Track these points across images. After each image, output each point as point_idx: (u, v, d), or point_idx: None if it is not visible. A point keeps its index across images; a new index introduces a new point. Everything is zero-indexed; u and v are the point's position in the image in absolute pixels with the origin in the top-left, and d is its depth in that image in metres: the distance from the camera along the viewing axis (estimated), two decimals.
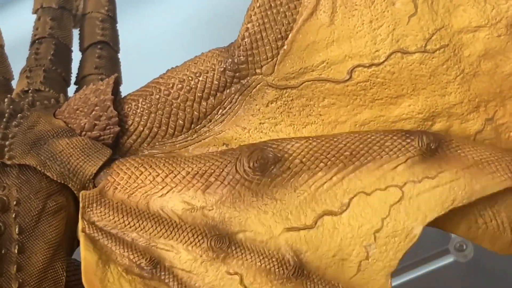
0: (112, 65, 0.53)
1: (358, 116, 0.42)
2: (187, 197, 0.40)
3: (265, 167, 0.39)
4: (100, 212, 0.40)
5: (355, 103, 0.42)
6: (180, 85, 0.42)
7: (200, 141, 0.43)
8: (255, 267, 0.39)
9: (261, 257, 0.39)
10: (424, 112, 0.42)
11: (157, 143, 0.43)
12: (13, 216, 0.39)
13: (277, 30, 0.41)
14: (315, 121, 0.42)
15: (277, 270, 0.39)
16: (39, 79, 0.50)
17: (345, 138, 0.40)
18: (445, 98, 0.41)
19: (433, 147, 0.40)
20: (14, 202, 0.40)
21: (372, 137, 0.40)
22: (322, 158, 0.40)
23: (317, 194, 0.40)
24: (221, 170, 0.40)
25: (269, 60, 0.42)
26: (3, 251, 0.38)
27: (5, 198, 0.40)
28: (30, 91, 0.48)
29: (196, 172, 0.40)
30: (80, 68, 0.53)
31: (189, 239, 0.39)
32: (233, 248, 0.39)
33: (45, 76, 0.50)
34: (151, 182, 0.40)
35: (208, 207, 0.40)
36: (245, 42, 0.42)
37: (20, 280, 0.38)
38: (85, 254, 0.38)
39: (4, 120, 0.43)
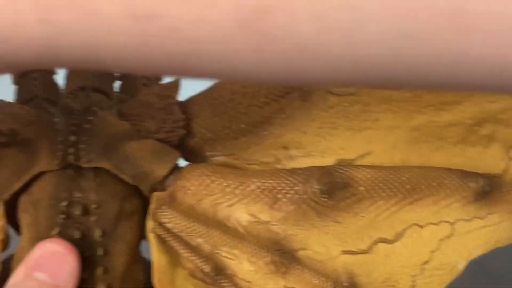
0: None
1: (412, 121, 0.43)
2: (253, 210, 0.41)
3: (333, 191, 0.41)
4: (170, 214, 0.41)
5: (409, 109, 0.43)
6: (244, 91, 0.43)
7: (260, 143, 0.44)
8: (312, 285, 0.41)
9: (318, 276, 0.41)
10: (473, 118, 0.43)
11: (218, 145, 0.43)
12: (94, 219, 0.40)
13: None
14: (371, 126, 0.43)
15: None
16: (88, 75, 0.48)
17: (408, 171, 0.42)
18: (492, 105, 0.43)
19: (486, 189, 0.42)
20: (95, 206, 0.40)
21: (433, 173, 0.42)
22: (385, 188, 0.42)
23: (375, 221, 0.42)
24: (290, 188, 0.41)
25: None
26: (87, 254, 0.39)
27: (84, 201, 0.40)
28: (86, 89, 0.46)
29: (265, 187, 0.41)
30: None
31: (252, 250, 0.41)
32: (294, 264, 0.41)
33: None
34: (220, 191, 0.41)
35: (273, 222, 0.41)
36: None
37: (107, 283, 0.39)
38: (156, 255, 0.40)
39: (74, 119, 0.42)
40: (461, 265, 0.43)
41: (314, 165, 0.43)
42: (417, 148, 0.43)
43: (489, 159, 0.44)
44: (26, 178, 0.40)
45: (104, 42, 0.26)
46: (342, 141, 0.43)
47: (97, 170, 0.41)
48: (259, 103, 0.43)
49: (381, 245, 0.42)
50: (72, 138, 0.41)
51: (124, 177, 0.41)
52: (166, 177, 0.42)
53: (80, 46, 0.27)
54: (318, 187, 0.41)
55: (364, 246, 0.42)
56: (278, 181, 0.42)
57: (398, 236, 0.42)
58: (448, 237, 0.43)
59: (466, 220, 0.43)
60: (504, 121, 0.43)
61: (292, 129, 0.43)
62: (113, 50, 0.27)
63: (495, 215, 0.43)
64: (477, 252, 0.43)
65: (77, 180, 0.41)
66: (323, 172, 0.42)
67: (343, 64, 0.26)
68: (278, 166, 0.43)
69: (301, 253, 0.41)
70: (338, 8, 0.24)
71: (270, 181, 0.42)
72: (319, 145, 0.43)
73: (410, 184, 0.42)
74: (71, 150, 0.41)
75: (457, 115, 0.43)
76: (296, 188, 0.41)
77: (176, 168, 0.42)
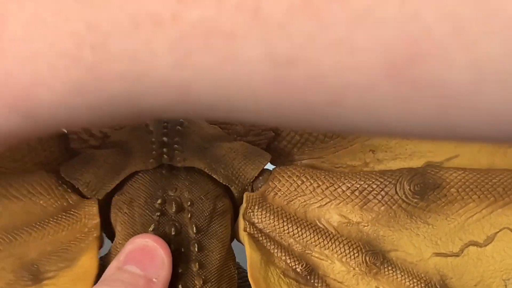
0: None
1: None
2: (344, 211, 0.41)
3: (425, 192, 0.41)
4: (261, 214, 0.41)
5: None
6: None
7: (348, 147, 0.44)
8: (404, 286, 0.41)
9: (410, 278, 0.41)
10: None
11: (306, 149, 0.44)
12: (189, 216, 0.40)
13: None
14: None
15: None
16: None
17: (498, 173, 0.42)
18: None
19: None
20: (188, 203, 0.40)
21: None
22: (476, 190, 0.42)
23: (466, 224, 0.42)
24: (381, 189, 0.42)
25: None
26: (183, 250, 0.39)
27: (178, 199, 0.40)
28: None
29: (356, 188, 0.42)
30: None
31: (344, 251, 0.41)
32: (385, 265, 0.41)
33: None
34: (311, 192, 0.42)
35: (363, 223, 0.41)
36: None
37: (203, 277, 0.39)
38: (250, 252, 0.40)
39: (164, 122, 0.43)
40: None
41: (402, 167, 0.43)
42: (502, 153, 0.43)
43: None
44: (120, 177, 0.41)
45: (239, 89, 0.25)
46: (430, 144, 0.43)
47: (188, 170, 0.42)
48: None
49: (472, 248, 0.42)
50: (165, 139, 0.42)
51: (216, 176, 0.41)
52: (256, 178, 0.42)
53: (214, 92, 0.25)
54: (410, 188, 0.41)
55: (455, 249, 0.42)
56: (369, 182, 0.42)
57: (489, 240, 0.42)
58: None
59: None
60: None
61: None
62: (248, 98, 0.25)
63: None
64: None
65: (171, 179, 0.41)
66: (415, 173, 0.42)
67: (501, 116, 0.24)
68: (366, 169, 0.43)
69: (392, 254, 0.41)
70: (497, 57, 0.22)
71: (360, 182, 0.42)
72: (407, 148, 0.43)
73: (501, 186, 0.42)
74: (165, 150, 0.41)
75: None
76: (386, 189, 0.42)
77: (265, 170, 0.43)
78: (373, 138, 0.43)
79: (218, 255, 0.40)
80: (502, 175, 0.42)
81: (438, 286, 0.41)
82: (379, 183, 0.42)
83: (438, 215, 0.42)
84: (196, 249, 0.40)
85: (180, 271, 0.39)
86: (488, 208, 0.42)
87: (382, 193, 0.42)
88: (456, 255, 0.42)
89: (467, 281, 0.42)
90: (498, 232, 0.42)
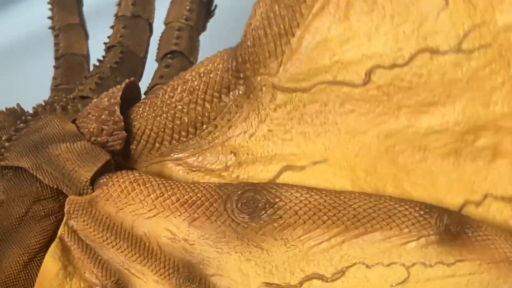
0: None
1: (382, 126, 0.36)
2: (171, 225, 0.37)
3: (254, 211, 0.35)
4: (84, 221, 0.37)
5: (377, 110, 0.36)
6: (183, 86, 0.39)
7: (208, 148, 0.39)
8: None
9: None
10: (462, 123, 0.35)
11: (165, 149, 0.40)
12: None
13: (281, 26, 0.36)
14: (330, 130, 0.37)
15: None
16: (90, 86, 0.48)
17: (352, 197, 0.35)
18: (489, 108, 0.35)
19: (453, 230, 0.34)
20: None
21: (384, 203, 0.35)
22: (321, 214, 0.35)
23: (310, 253, 0.35)
24: (211, 204, 0.36)
25: (274, 59, 0.37)
26: None
27: None
28: (66, 97, 0.46)
29: (186, 200, 0.37)
30: (152, 78, 0.51)
31: (160, 269, 0.36)
32: None
33: (98, 83, 0.49)
34: (141, 201, 0.37)
35: (190, 241, 0.36)
36: (247, 39, 0.37)
37: None
38: (47, 261, 0.36)
39: (18, 122, 0.41)
40: None
41: (260, 176, 0.38)
42: (390, 159, 0.36)
43: (495, 179, 0.36)
44: None
45: None
46: (295, 147, 0.37)
47: (18, 171, 0.39)
48: (199, 100, 0.38)
49: (315, 282, 0.35)
50: (4, 136, 0.40)
51: (42, 177, 0.38)
52: (93, 181, 0.39)
53: None
54: (237, 205, 0.36)
55: (293, 281, 0.35)
56: (199, 195, 0.37)
57: (338, 275, 0.35)
58: (403, 283, 0.35)
59: (426, 265, 0.35)
60: (511, 130, 0.35)
61: (239, 131, 0.38)
62: None
63: (467, 264, 0.34)
64: None
65: None
66: (249, 188, 0.36)
67: None
68: (224, 174, 0.38)
69: (214, 280, 0.36)
70: None
71: (191, 194, 0.37)
72: (268, 150, 0.38)
73: (353, 212, 0.35)
74: None
75: (440, 119, 0.35)
76: (216, 204, 0.36)
77: (108, 174, 0.39)
78: (233, 139, 0.38)
79: (14, 262, 0.38)
80: (356, 199, 0.35)
81: None
82: (210, 196, 0.37)
83: (275, 240, 0.36)
84: None
85: None
86: (337, 238, 0.35)
87: (212, 208, 0.36)
88: None
89: None
90: (350, 266, 0.35)
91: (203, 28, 0.55)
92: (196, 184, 0.37)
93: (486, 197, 0.35)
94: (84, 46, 0.54)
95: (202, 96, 0.38)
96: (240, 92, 0.38)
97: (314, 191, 0.36)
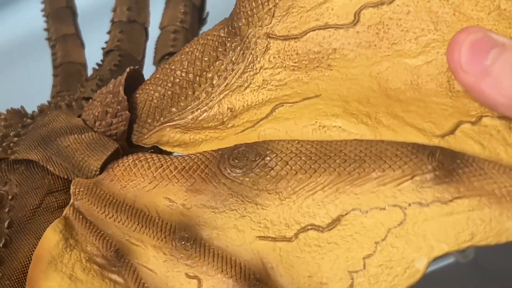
0: None
1: (375, 66, 0.36)
2: (170, 193, 0.37)
3: (246, 164, 0.35)
4: (88, 200, 0.38)
5: (369, 52, 0.36)
6: (182, 53, 0.40)
7: (206, 110, 0.40)
8: (215, 273, 0.34)
9: (224, 264, 0.34)
10: None
11: (164, 119, 0.41)
12: (6, 210, 0.39)
13: None
14: (322, 71, 0.38)
15: (238, 279, 0.34)
16: (91, 87, 0.50)
17: (342, 144, 0.35)
18: None
19: (448, 166, 0.33)
20: (10, 197, 0.39)
21: (375, 146, 0.35)
22: (312, 162, 0.35)
23: (304, 204, 0.35)
24: (206, 166, 0.37)
25: (266, 9, 0.38)
26: None
27: (3, 193, 0.40)
28: (70, 97, 0.48)
29: (183, 167, 0.37)
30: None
31: (157, 233, 0.36)
32: (198, 249, 0.35)
33: (99, 84, 0.51)
34: (142, 175, 0.38)
35: (187, 205, 0.37)
36: None
37: (0, 274, 0.37)
38: (48, 232, 0.37)
39: (25, 119, 0.43)
40: (420, 263, 0.33)
41: (253, 118, 0.38)
42: (383, 92, 0.36)
43: None
44: None
45: None
46: (288, 90, 0.38)
47: (28, 163, 0.41)
48: (198, 60, 0.40)
49: (311, 233, 0.34)
50: (7, 131, 0.42)
51: (52, 168, 0.40)
52: (103, 169, 0.40)
53: None
54: (229, 161, 0.36)
55: (288, 233, 0.35)
56: (196, 160, 0.37)
57: (334, 223, 0.34)
58: (399, 225, 0.33)
59: (422, 205, 0.33)
60: None
61: (236, 86, 0.40)
62: None
63: (466, 200, 0.33)
64: (442, 247, 0.33)
65: (7, 173, 0.41)
66: (242, 145, 0.36)
67: None
68: (221, 127, 0.39)
69: (209, 238, 0.36)
70: None
71: (188, 161, 0.38)
72: (263, 97, 0.39)
73: (345, 157, 0.35)
74: (5, 143, 0.41)
75: (431, 51, 0.36)
76: (211, 165, 0.37)
77: (116, 161, 0.40)
78: (230, 94, 0.39)
79: (29, 252, 0.38)
80: (347, 145, 0.35)
81: (257, 276, 0.34)
82: (205, 159, 0.37)
83: (269, 194, 0.35)
84: (1, 245, 0.38)
85: None
86: (331, 186, 0.35)
87: (207, 170, 0.37)
88: (289, 240, 0.35)
89: (298, 271, 0.34)
90: (345, 214, 0.34)
91: (197, 34, 0.56)
92: (195, 153, 0.38)
93: (481, 118, 0.34)
94: (81, 55, 0.57)
95: (200, 56, 0.40)
96: (236, 49, 0.39)
97: (306, 141, 0.36)
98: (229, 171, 0.36)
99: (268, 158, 0.35)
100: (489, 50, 0.33)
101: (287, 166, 0.35)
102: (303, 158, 0.35)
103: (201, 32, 0.56)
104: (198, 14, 0.57)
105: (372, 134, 0.35)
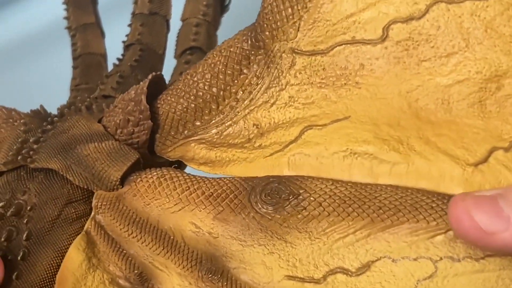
0: None
1: (403, 83, 0.36)
2: (196, 219, 0.37)
3: (278, 202, 0.35)
4: (110, 215, 0.38)
5: (397, 68, 0.36)
6: (205, 65, 0.39)
7: (231, 124, 0.39)
8: None
9: None
10: (483, 71, 0.34)
11: (188, 132, 0.40)
12: (25, 221, 0.38)
13: None
14: (351, 90, 0.37)
15: None
16: (111, 85, 0.49)
17: (378, 189, 0.35)
18: (510, 55, 0.34)
19: None
20: (28, 208, 0.38)
21: (411, 195, 0.34)
22: (346, 206, 0.35)
23: (335, 247, 0.35)
24: (235, 196, 0.36)
25: (291, 24, 0.37)
26: (9, 257, 0.37)
27: (22, 202, 0.39)
28: (90, 97, 0.47)
29: (211, 194, 0.37)
30: (172, 75, 0.52)
31: (183, 262, 0.36)
32: (225, 283, 0.35)
33: (119, 81, 0.49)
34: (167, 195, 0.37)
35: (214, 234, 0.36)
36: (265, 7, 0.37)
37: None
38: (71, 252, 0.37)
39: (44, 123, 0.42)
40: None
41: (282, 140, 0.37)
42: (413, 114, 0.35)
43: None
44: None
45: None
46: (316, 109, 0.37)
47: (47, 172, 0.40)
48: (220, 74, 0.39)
49: (340, 276, 0.34)
50: (27, 136, 0.40)
51: (72, 178, 0.39)
52: (123, 180, 0.39)
53: None
54: (261, 196, 0.35)
55: (317, 275, 0.35)
56: (224, 188, 0.37)
57: (363, 269, 0.34)
58: (430, 278, 0.34)
59: (454, 260, 0.33)
60: None
61: (261, 102, 0.39)
62: None
63: (497, 259, 0.33)
64: None
65: (25, 182, 0.40)
66: (274, 180, 0.36)
67: None
68: (247, 145, 0.38)
69: (237, 272, 0.35)
70: None
71: (216, 187, 0.37)
72: (290, 116, 0.38)
73: (379, 204, 0.34)
74: (24, 150, 0.40)
75: (461, 69, 0.35)
76: (240, 197, 0.36)
77: (138, 172, 0.39)
78: (255, 111, 0.38)
79: (48, 265, 0.37)
80: (382, 191, 0.35)
81: None
82: (234, 189, 0.36)
83: (300, 233, 0.35)
84: (19, 258, 0.37)
85: (4, 280, 0.36)
86: (363, 231, 0.35)
87: (236, 201, 0.36)
88: (317, 282, 0.34)
89: None
90: (376, 261, 0.34)
91: (219, 24, 0.55)
92: (222, 178, 0.37)
93: None
94: (101, 45, 0.55)
95: (223, 70, 0.39)
96: (260, 63, 0.38)
97: (340, 182, 0.35)
98: (260, 206, 0.35)
99: (301, 197, 0.35)
100: (496, 200, 0.32)
101: (320, 207, 0.35)
102: (336, 200, 0.35)
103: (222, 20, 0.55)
104: (220, 4, 0.55)
105: (405, 162, 0.35)
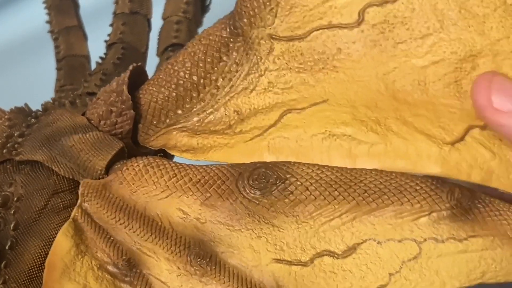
0: None
1: (381, 67, 0.36)
2: (183, 205, 0.37)
3: (265, 186, 0.36)
4: (97, 203, 0.38)
5: (375, 52, 0.36)
6: (185, 53, 0.40)
7: (212, 112, 0.39)
8: None
9: (240, 284, 0.35)
10: (458, 51, 0.35)
11: (170, 121, 0.40)
12: (12, 212, 0.38)
13: None
14: (328, 74, 0.37)
15: None
16: (95, 82, 0.49)
17: (363, 173, 0.35)
18: (484, 34, 0.34)
19: (465, 205, 0.34)
20: (15, 198, 0.39)
21: (395, 179, 0.35)
22: (332, 190, 0.35)
23: (321, 230, 0.35)
24: (223, 182, 0.37)
25: (269, 10, 0.37)
26: None
27: (9, 194, 0.39)
28: (74, 93, 0.47)
29: (198, 180, 0.37)
30: (154, 73, 0.52)
31: (171, 247, 0.36)
32: (213, 267, 0.35)
33: (102, 79, 0.50)
34: (154, 183, 0.38)
35: (201, 220, 0.37)
36: None
37: (6, 277, 0.37)
38: (59, 238, 0.37)
39: (29, 118, 0.42)
40: None
41: (261, 124, 0.38)
42: (390, 95, 0.36)
43: None
44: None
45: None
46: (295, 93, 0.38)
47: (33, 164, 0.40)
48: (201, 62, 0.39)
49: (326, 259, 0.35)
50: (11, 131, 0.41)
51: (57, 169, 0.39)
52: (108, 170, 0.39)
53: None
54: (249, 181, 0.36)
55: (304, 258, 0.35)
56: (212, 174, 0.37)
57: (350, 251, 0.35)
58: (414, 259, 0.34)
59: (438, 241, 0.34)
60: (509, 54, 0.34)
61: (241, 88, 0.39)
62: None
63: (480, 239, 0.34)
64: (453, 283, 0.34)
65: (12, 174, 0.40)
66: (260, 166, 0.36)
67: None
68: (228, 131, 0.39)
69: (225, 256, 0.36)
70: None
71: (203, 174, 0.37)
72: (270, 101, 0.38)
73: (365, 188, 0.35)
74: (10, 144, 0.40)
75: (437, 50, 0.35)
76: (228, 182, 0.37)
77: (123, 160, 0.40)
78: (235, 97, 0.39)
79: (36, 254, 0.38)
80: (368, 175, 0.36)
81: None
82: (222, 175, 0.37)
83: (287, 217, 0.36)
84: (7, 247, 0.37)
85: None
86: (349, 214, 0.35)
87: (224, 187, 0.37)
88: (304, 265, 0.35)
89: None
90: (361, 243, 0.35)
91: (200, 22, 0.56)
92: (209, 166, 0.38)
93: None
94: (84, 47, 0.55)
95: (203, 58, 0.39)
96: (240, 50, 0.39)
97: (326, 167, 0.36)
98: (247, 191, 0.36)
99: (288, 182, 0.36)
100: None
101: (307, 191, 0.35)
102: (323, 185, 0.35)
103: (203, 20, 0.55)
104: (201, 2, 0.55)
105: (383, 142, 0.36)
